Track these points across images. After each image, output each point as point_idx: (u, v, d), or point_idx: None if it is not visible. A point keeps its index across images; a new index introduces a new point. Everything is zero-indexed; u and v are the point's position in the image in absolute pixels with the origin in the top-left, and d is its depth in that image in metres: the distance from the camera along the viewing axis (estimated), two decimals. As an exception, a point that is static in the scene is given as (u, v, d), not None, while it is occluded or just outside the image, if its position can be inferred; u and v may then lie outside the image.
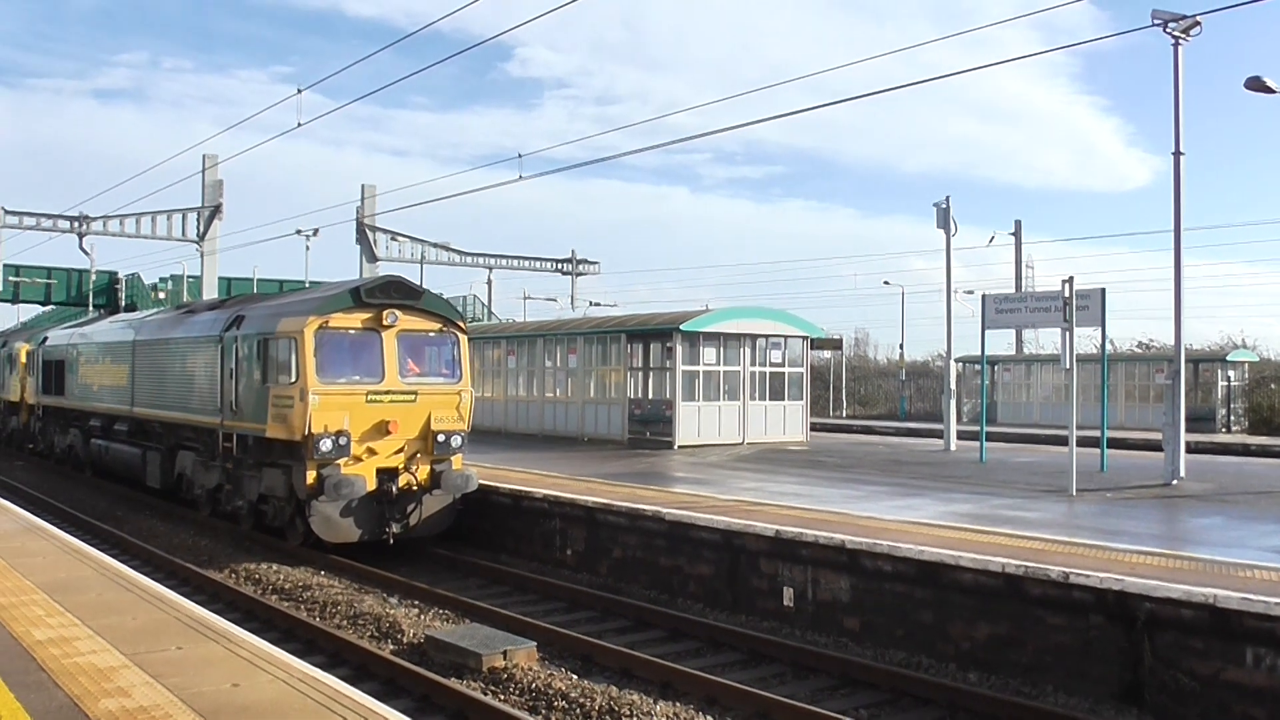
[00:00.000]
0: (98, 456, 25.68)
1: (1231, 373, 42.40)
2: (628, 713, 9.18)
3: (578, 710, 9.35)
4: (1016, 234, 54.01)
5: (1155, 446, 24.42)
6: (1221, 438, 36.73)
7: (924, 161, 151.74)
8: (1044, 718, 9.21)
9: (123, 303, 52.25)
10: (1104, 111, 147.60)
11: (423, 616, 12.92)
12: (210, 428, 18.54)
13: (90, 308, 52.07)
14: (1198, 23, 19.22)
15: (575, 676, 10.32)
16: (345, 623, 12.61)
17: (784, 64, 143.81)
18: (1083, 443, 18.99)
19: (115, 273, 55.43)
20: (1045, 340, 53.80)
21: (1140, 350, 51.37)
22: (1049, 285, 36.50)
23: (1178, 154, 19.84)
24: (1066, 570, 10.28)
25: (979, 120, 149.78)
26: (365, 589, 14.40)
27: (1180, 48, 19.62)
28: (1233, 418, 41.90)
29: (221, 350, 18.01)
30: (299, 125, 23.77)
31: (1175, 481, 19.04)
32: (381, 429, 16.08)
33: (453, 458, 16.81)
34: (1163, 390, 24.41)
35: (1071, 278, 18.58)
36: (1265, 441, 35.00)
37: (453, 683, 9.89)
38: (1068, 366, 18.27)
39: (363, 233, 47.01)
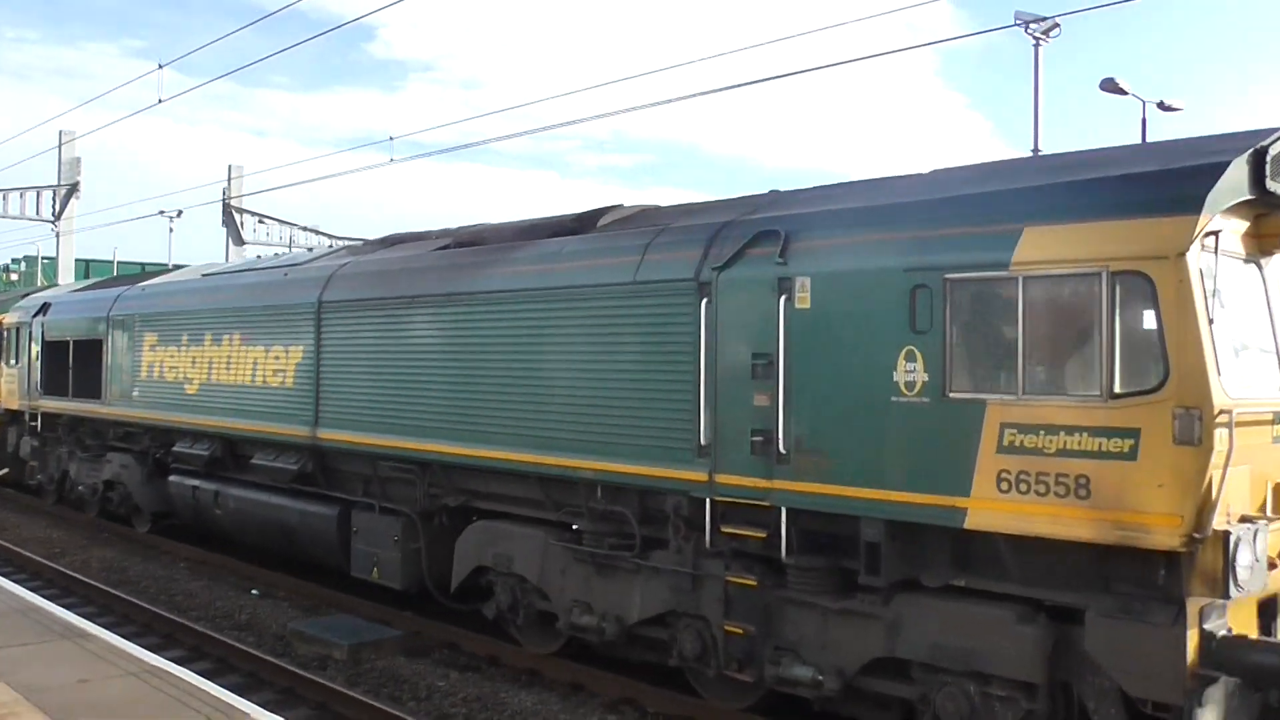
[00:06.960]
0: (194, 508, 14.97)
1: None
2: (494, 701, 9.17)
3: (444, 700, 9.30)
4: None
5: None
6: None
7: (783, 156, 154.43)
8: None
9: (-29, 284, 49.96)
10: (965, 108, 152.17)
11: (288, 607, 12.68)
12: (656, 486, 8.77)
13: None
14: (1057, 24, 20.00)
15: (443, 666, 10.26)
16: (206, 615, 12.30)
17: (649, 53, 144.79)
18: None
19: (-38, 253, 53.08)
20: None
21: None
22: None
23: (1036, 151, 20.58)
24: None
25: (838, 115, 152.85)
26: (223, 580, 14.04)
27: (1040, 48, 20.40)
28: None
29: (715, 312, 8.28)
30: (160, 101, 22.95)
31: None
32: None
33: None
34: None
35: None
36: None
37: (316, 675, 9.74)
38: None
39: (230, 214, 45.75)
